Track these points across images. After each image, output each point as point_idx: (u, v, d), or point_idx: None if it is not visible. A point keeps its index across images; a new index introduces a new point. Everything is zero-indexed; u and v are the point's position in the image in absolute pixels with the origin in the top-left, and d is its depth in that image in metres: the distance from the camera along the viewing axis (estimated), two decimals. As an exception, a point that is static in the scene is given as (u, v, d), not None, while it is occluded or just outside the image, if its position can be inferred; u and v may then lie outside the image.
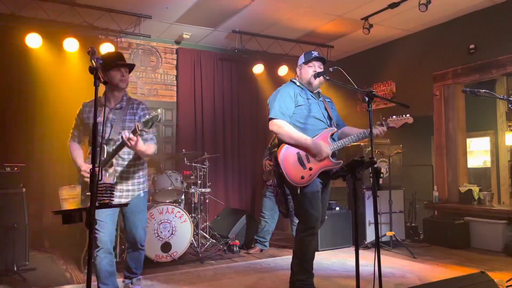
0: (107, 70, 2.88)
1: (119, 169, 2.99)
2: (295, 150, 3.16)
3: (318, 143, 3.12)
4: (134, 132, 2.67)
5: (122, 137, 2.67)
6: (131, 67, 3.10)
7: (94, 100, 1.83)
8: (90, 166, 2.79)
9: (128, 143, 2.67)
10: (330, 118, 3.36)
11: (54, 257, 4.88)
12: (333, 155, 3.25)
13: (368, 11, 5.47)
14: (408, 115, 3.24)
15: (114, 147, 2.82)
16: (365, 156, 2.52)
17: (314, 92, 3.39)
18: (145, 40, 6.23)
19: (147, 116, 2.63)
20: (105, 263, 2.93)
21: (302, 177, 3.12)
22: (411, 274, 4.12)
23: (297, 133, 3.16)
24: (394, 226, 5.31)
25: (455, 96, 5.96)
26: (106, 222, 2.90)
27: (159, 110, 2.65)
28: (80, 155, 3.00)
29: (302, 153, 3.16)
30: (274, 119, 3.18)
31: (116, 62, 2.93)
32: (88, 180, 2.75)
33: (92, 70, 1.89)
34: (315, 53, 3.39)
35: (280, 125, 3.16)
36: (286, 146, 3.18)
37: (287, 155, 3.16)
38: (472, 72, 5.58)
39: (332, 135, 3.27)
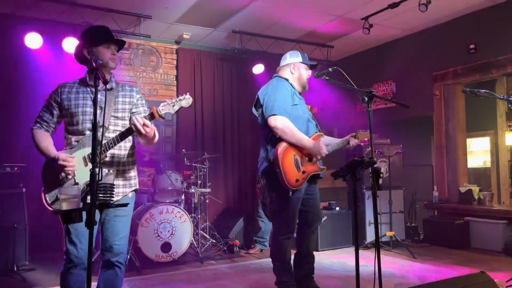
0: (95, 46, 2.42)
1: (110, 160, 2.46)
2: (292, 152, 3.07)
3: (318, 144, 3.11)
4: (151, 117, 2.27)
5: (134, 123, 2.23)
6: (121, 44, 2.59)
7: (94, 101, 1.82)
8: (69, 155, 2.30)
9: (143, 130, 2.22)
10: (316, 121, 3.36)
11: (54, 257, 4.88)
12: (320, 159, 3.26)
13: (368, 11, 5.47)
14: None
15: (117, 134, 2.35)
16: (365, 156, 2.51)
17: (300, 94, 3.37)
18: (145, 40, 6.23)
19: (174, 99, 2.30)
20: (77, 280, 2.37)
21: (297, 180, 3.04)
22: (411, 274, 4.12)
23: (301, 133, 3.08)
24: (394, 226, 5.31)
25: (455, 96, 5.96)
26: (84, 235, 2.31)
27: (188, 94, 2.39)
28: (51, 143, 2.45)
29: (298, 156, 3.10)
30: (278, 115, 3.01)
31: (100, 37, 2.44)
32: (69, 170, 2.30)
33: (92, 70, 1.88)
34: (312, 61, 3.40)
35: (285, 123, 3.01)
36: (284, 146, 3.03)
37: (285, 156, 3.04)
38: (472, 72, 5.58)
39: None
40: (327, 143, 3.26)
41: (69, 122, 2.45)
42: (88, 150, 2.35)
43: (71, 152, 2.37)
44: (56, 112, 2.48)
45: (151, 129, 2.27)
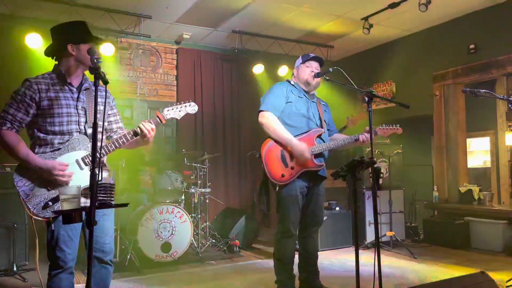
0: (76, 43, 2.32)
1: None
2: (280, 147, 3.15)
3: (300, 145, 3.08)
4: (158, 122, 2.40)
5: (140, 128, 2.34)
6: (99, 42, 2.55)
7: (94, 101, 1.82)
8: (63, 162, 2.21)
9: (148, 135, 2.35)
10: (321, 119, 3.33)
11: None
12: (320, 156, 3.22)
13: (368, 11, 5.47)
14: (398, 126, 3.27)
15: (121, 137, 2.37)
16: (365, 156, 2.51)
17: (310, 93, 3.37)
18: (145, 40, 6.23)
19: (180, 105, 2.38)
20: (66, 284, 2.30)
21: (283, 175, 3.11)
22: (411, 274, 4.12)
23: (283, 130, 3.13)
24: (394, 226, 5.31)
25: (455, 96, 5.96)
26: (72, 238, 2.32)
27: (192, 102, 2.47)
28: (29, 149, 2.26)
29: (286, 151, 3.14)
30: (264, 111, 3.17)
31: (89, 34, 2.36)
32: (67, 180, 2.23)
33: (92, 70, 1.87)
34: (312, 54, 3.41)
35: (269, 118, 3.14)
36: (271, 141, 3.16)
37: (271, 150, 3.15)
38: (472, 72, 5.58)
39: (319, 136, 3.23)
40: (333, 139, 3.33)
41: (49, 122, 2.26)
42: (80, 152, 2.30)
43: (58, 155, 2.26)
44: (32, 111, 2.25)
45: (154, 132, 2.37)
